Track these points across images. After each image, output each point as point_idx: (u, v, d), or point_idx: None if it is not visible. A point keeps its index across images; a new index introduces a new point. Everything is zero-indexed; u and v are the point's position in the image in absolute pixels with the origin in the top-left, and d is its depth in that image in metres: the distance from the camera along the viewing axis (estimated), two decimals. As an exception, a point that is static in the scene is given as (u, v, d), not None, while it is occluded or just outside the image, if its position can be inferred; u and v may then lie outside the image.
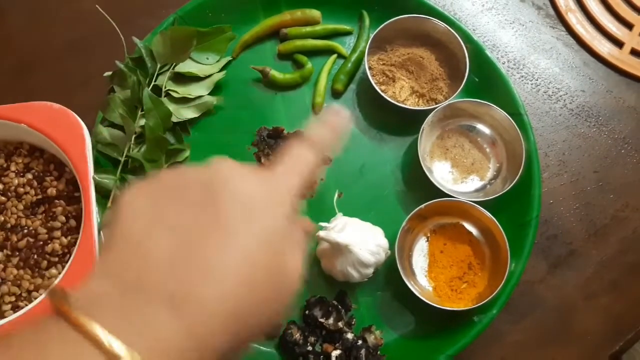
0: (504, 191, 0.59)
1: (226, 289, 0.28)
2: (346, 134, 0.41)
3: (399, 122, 0.65)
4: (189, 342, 0.27)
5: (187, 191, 0.32)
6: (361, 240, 0.56)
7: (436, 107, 0.61)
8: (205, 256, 0.28)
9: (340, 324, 0.57)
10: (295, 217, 0.34)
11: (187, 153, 0.63)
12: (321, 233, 0.55)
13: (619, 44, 0.69)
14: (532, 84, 0.68)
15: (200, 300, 0.27)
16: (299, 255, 0.34)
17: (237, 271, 0.29)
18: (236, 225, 0.30)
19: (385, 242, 0.58)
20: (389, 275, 0.59)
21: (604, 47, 0.69)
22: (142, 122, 0.60)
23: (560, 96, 0.67)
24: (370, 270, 0.57)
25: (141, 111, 0.61)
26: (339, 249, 0.56)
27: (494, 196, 0.59)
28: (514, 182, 0.59)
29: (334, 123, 0.40)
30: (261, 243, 0.30)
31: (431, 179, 0.60)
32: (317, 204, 0.62)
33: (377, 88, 0.63)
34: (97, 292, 0.27)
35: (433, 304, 0.56)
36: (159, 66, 0.63)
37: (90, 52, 0.69)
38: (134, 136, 0.60)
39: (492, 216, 0.58)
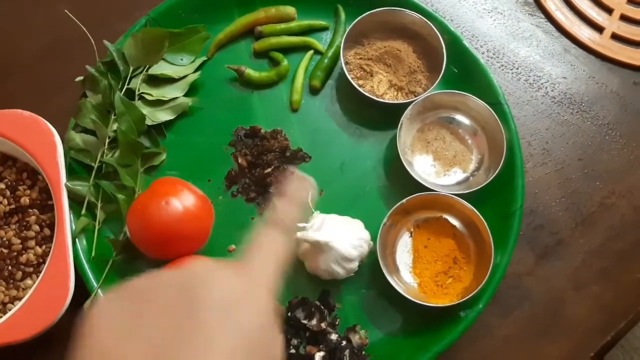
0: (485, 183, 0.56)
1: None
2: (312, 199, 0.40)
3: (379, 117, 0.62)
4: None
5: (161, 297, 0.30)
6: (341, 235, 0.53)
7: (414, 100, 0.59)
8: None
9: (323, 325, 0.54)
10: (272, 309, 0.32)
11: (163, 156, 0.60)
12: (299, 234, 0.52)
13: (599, 29, 0.66)
14: (512, 73, 0.65)
15: None
16: (279, 345, 0.33)
17: None
18: (214, 330, 0.29)
19: (366, 234, 0.55)
20: (373, 273, 0.57)
21: (584, 33, 0.66)
22: (115, 126, 0.57)
23: (542, 84, 0.65)
24: (355, 265, 0.54)
25: (114, 115, 0.58)
26: (319, 248, 0.53)
27: (476, 188, 0.57)
28: (496, 173, 0.56)
29: (298, 194, 0.39)
30: (241, 346, 0.29)
31: (412, 173, 0.57)
32: (297, 203, 0.59)
33: (354, 83, 0.60)
34: None
35: (418, 301, 0.53)
36: (131, 69, 0.60)
37: (65, 57, 0.66)
38: (107, 141, 0.58)
39: (474, 209, 0.55)
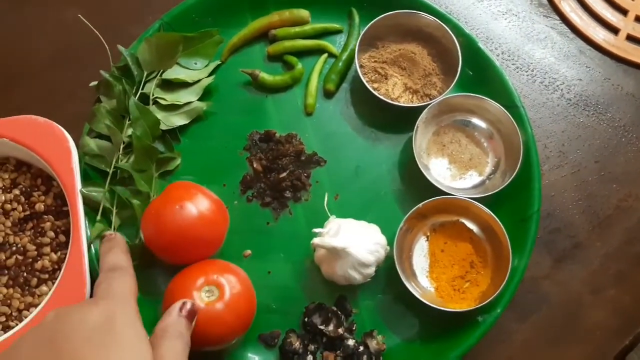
0: (502, 186, 0.55)
1: None
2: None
3: (394, 120, 0.61)
4: None
5: (29, 353, 0.31)
6: (358, 240, 0.52)
7: (430, 104, 0.58)
8: None
9: (340, 330, 0.53)
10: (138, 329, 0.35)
11: (178, 161, 0.59)
12: (316, 240, 0.51)
13: (614, 30, 0.65)
14: (527, 75, 0.64)
15: None
16: (166, 354, 0.35)
17: None
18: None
19: (383, 239, 0.54)
20: (390, 277, 0.56)
21: (599, 34, 0.65)
22: (130, 131, 0.57)
23: (557, 86, 0.64)
24: (372, 270, 0.54)
25: (128, 120, 0.57)
26: (336, 253, 0.52)
27: (493, 192, 0.56)
28: (513, 176, 0.55)
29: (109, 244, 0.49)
30: None
31: (427, 177, 0.56)
32: (312, 207, 0.58)
33: (368, 86, 0.59)
34: None
35: (434, 306, 0.52)
36: (145, 74, 0.59)
37: (77, 62, 0.66)
38: (122, 146, 0.57)
39: (491, 212, 0.54)
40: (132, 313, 0.34)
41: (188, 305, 0.41)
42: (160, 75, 0.60)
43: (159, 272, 0.56)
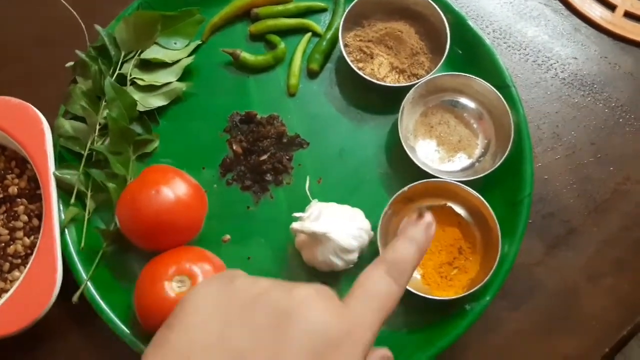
0: (492, 169, 0.52)
1: None
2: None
3: (380, 101, 0.58)
4: None
5: (259, 313, 0.29)
6: (340, 225, 0.50)
7: (416, 83, 0.55)
8: None
9: (321, 318, 0.51)
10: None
11: (156, 143, 0.57)
12: (295, 225, 0.49)
13: (611, 7, 0.62)
14: (520, 54, 0.61)
15: None
16: None
17: None
18: None
19: (367, 224, 0.52)
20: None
21: (595, 11, 0.62)
22: (106, 113, 0.54)
23: (551, 65, 0.60)
24: (354, 256, 0.51)
25: (104, 102, 0.55)
26: (317, 239, 0.49)
27: (482, 174, 0.52)
28: (503, 158, 0.52)
29: (421, 239, 0.34)
30: None
31: (414, 159, 0.53)
32: (294, 191, 0.55)
33: (353, 66, 0.56)
34: None
35: (420, 294, 0.49)
36: (123, 54, 0.57)
37: (56, 43, 0.63)
38: (97, 128, 0.54)
39: (480, 196, 0.51)
40: (363, 349, 0.30)
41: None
42: (139, 55, 0.58)
43: (135, 257, 0.53)
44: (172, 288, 0.46)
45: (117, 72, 0.56)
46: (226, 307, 0.30)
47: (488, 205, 0.51)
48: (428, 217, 0.36)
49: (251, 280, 0.31)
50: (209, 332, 0.28)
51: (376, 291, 0.32)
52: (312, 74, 0.59)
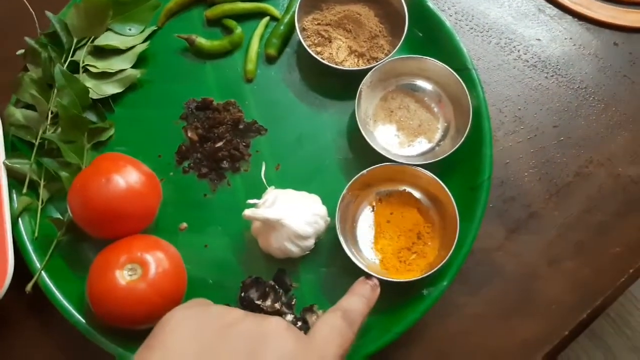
0: (450, 152, 0.51)
1: None
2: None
3: (340, 86, 0.57)
4: None
5: (234, 338, 0.32)
6: (294, 211, 0.48)
7: (374, 66, 0.53)
8: None
9: (277, 305, 0.50)
10: None
11: (111, 131, 0.55)
12: (247, 212, 0.47)
13: (576, -14, 0.60)
14: (482, 36, 0.59)
15: None
16: None
17: None
18: None
19: (323, 210, 0.50)
20: (333, 250, 0.52)
21: (560, -9, 0.60)
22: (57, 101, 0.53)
23: (514, 47, 0.59)
24: (310, 242, 0.50)
25: (56, 89, 0.53)
26: (271, 225, 0.48)
27: (440, 158, 0.51)
28: (461, 141, 0.51)
29: (369, 296, 0.43)
30: None
31: (372, 144, 0.52)
32: (252, 178, 0.54)
33: (310, 50, 0.55)
34: None
35: (376, 275, 0.48)
36: (75, 41, 0.55)
37: (7, 32, 0.61)
38: (49, 117, 0.53)
39: (438, 179, 0.50)
40: None
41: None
42: (92, 42, 0.56)
43: (90, 246, 0.52)
44: (123, 276, 0.45)
45: (69, 59, 0.55)
46: (203, 331, 0.31)
47: (447, 189, 0.50)
48: (375, 280, 0.46)
49: (225, 308, 0.34)
50: (187, 353, 0.30)
51: (336, 329, 0.37)
52: (270, 59, 0.58)
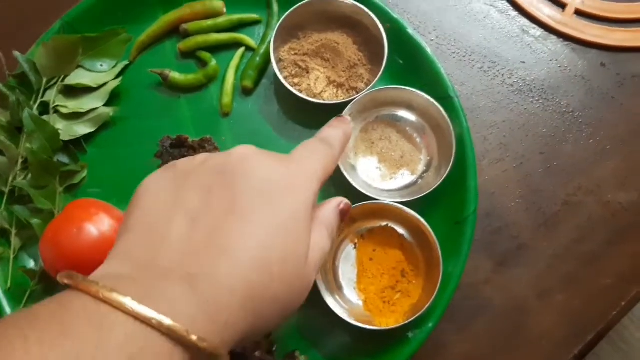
0: (433, 187, 0.49)
1: (241, 270, 0.27)
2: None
3: (320, 117, 0.53)
4: (206, 315, 0.25)
5: (204, 175, 0.31)
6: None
7: (354, 98, 0.51)
8: (219, 239, 0.28)
9: (257, 353, 0.48)
10: (310, 205, 0.32)
11: (84, 173, 0.53)
12: None
13: (560, 5, 0.57)
14: (465, 60, 0.57)
15: (215, 279, 0.26)
16: (318, 243, 0.32)
17: (251, 254, 0.27)
18: (251, 209, 0.29)
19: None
20: (313, 292, 0.49)
21: (544, 10, 0.57)
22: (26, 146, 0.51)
23: (498, 71, 0.56)
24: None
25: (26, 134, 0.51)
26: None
27: (423, 194, 0.49)
28: (445, 175, 0.49)
29: (342, 127, 0.40)
30: (275, 228, 0.29)
31: (351, 181, 0.50)
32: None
33: (285, 83, 0.53)
34: (114, 272, 0.27)
35: (356, 323, 0.46)
36: (45, 80, 0.53)
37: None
38: (20, 162, 0.51)
39: (420, 218, 0.48)
40: (310, 196, 0.32)
41: (343, 205, 0.37)
42: (62, 81, 0.54)
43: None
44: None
45: (39, 100, 0.53)
46: (174, 181, 0.31)
47: (428, 227, 0.48)
48: (347, 116, 0.45)
49: (190, 157, 0.33)
50: (164, 202, 0.30)
51: (316, 148, 0.36)
52: (246, 92, 0.55)
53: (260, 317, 0.28)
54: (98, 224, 0.47)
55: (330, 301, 0.47)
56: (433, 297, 0.46)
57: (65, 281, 0.25)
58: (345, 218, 0.38)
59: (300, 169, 0.32)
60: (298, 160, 0.33)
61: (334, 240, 0.37)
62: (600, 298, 0.50)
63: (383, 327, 0.46)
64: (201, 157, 0.33)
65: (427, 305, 0.46)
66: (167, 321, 0.23)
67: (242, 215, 0.28)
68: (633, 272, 0.51)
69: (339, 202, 0.37)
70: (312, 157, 0.34)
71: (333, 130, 0.39)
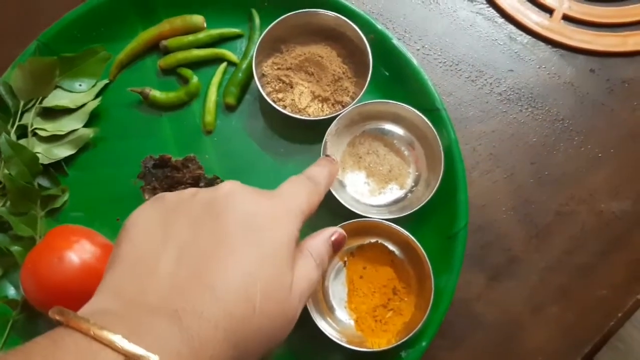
0: (422, 203, 0.47)
1: (224, 304, 0.27)
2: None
3: (305, 132, 0.53)
4: (192, 350, 0.26)
5: (192, 209, 0.31)
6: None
7: (339, 114, 0.50)
8: (205, 275, 0.28)
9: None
10: (294, 240, 0.32)
11: (65, 197, 0.52)
12: None
13: (548, 10, 0.56)
14: (452, 70, 0.55)
15: (200, 315, 0.27)
16: (303, 273, 0.32)
17: (235, 288, 0.28)
18: (236, 242, 0.29)
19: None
20: (303, 314, 0.48)
21: (531, 17, 0.56)
22: (6, 171, 0.49)
23: (486, 80, 0.55)
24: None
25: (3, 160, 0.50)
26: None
27: (411, 211, 0.48)
28: (434, 190, 0.48)
29: (328, 166, 0.41)
30: (259, 260, 0.29)
31: (339, 199, 0.48)
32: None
33: (268, 99, 0.51)
34: (104, 307, 0.27)
35: (347, 346, 0.45)
36: (22, 103, 0.52)
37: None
38: (-2, 187, 0.50)
39: (409, 235, 0.47)
40: (293, 229, 0.32)
41: (337, 235, 0.38)
42: (40, 102, 0.52)
43: (48, 323, 0.49)
44: None
45: (16, 123, 0.51)
46: (162, 214, 0.31)
47: (419, 244, 0.47)
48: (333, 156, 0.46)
49: (178, 191, 0.34)
50: (153, 235, 0.30)
51: (302, 185, 0.36)
52: (229, 108, 0.54)
53: (244, 349, 0.28)
54: (79, 252, 0.45)
55: (321, 324, 0.46)
56: (426, 315, 0.45)
57: (57, 317, 0.25)
58: (340, 249, 0.39)
59: (285, 203, 0.33)
60: (283, 195, 0.34)
61: (324, 270, 0.37)
62: (595, 309, 0.49)
63: (375, 349, 0.45)
64: (190, 191, 0.33)
65: (419, 325, 0.44)
66: (154, 358, 0.24)
67: (227, 249, 0.29)
68: (628, 281, 0.50)
69: (331, 232, 0.38)
70: (297, 192, 0.35)
71: (319, 169, 0.40)
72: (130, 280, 0.29)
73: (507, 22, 0.56)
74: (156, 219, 0.31)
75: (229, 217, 0.30)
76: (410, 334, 0.44)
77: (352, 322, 0.48)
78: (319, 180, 0.39)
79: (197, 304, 0.27)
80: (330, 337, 0.45)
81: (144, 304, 0.27)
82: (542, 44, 0.55)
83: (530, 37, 0.56)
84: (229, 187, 0.33)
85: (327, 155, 0.46)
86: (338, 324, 0.48)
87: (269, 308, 0.29)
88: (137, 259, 0.29)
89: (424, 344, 0.46)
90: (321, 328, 0.45)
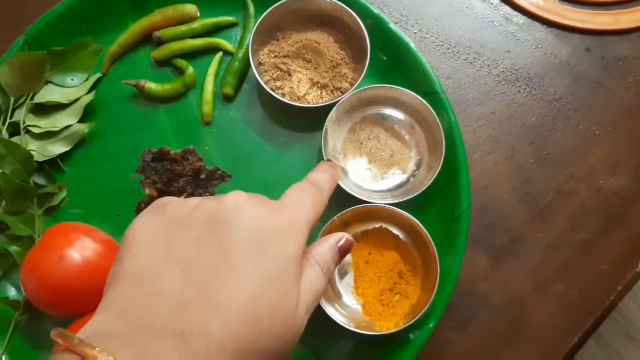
0: (424, 187, 0.47)
1: (231, 325, 0.27)
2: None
3: (305, 120, 0.52)
4: None
5: (196, 224, 0.30)
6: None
7: (338, 100, 0.49)
8: (210, 294, 0.27)
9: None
10: (299, 254, 0.31)
11: (62, 194, 0.50)
12: None
13: (542, -10, 0.56)
14: (449, 53, 0.55)
15: (206, 336, 0.26)
16: (309, 286, 0.32)
17: (241, 308, 0.27)
18: (242, 260, 0.29)
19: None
20: (310, 300, 0.48)
21: (526, -3, 0.56)
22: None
23: (484, 61, 0.54)
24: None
25: (-3, 156, 0.48)
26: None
27: (415, 194, 0.47)
28: (436, 173, 0.47)
29: (330, 171, 0.40)
30: (265, 279, 0.29)
31: (342, 185, 0.48)
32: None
33: (267, 88, 0.50)
34: (108, 330, 0.26)
35: (356, 330, 0.44)
36: (12, 99, 0.50)
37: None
38: (-7, 187, 0.48)
39: (413, 218, 0.46)
40: (300, 244, 0.31)
41: (344, 241, 0.37)
42: (31, 99, 0.50)
43: (51, 323, 0.48)
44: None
45: (7, 121, 0.49)
46: (165, 228, 0.30)
47: (423, 227, 0.46)
48: (334, 161, 0.45)
49: (181, 201, 0.32)
50: (156, 252, 0.29)
51: (307, 193, 0.35)
52: (227, 98, 0.53)
53: None
54: (80, 249, 0.44)
55: (330, 310, 0.45)
56: (432, 297, 0.44)
57: (60, 341, 0.24)
58: (346, 254, 0.38)
59: (291, 216, 0.32)
60: (289, 207, 0.33)
61: (330, 278, 0.36)
62: (596, 285, 0.50)
63: (384, 332, 0.45)
64: (193, 201, 0.32)
65: (426, 307, 0.44)
66: None
67: (233, 267, 0.28)
68: (628, 256, 0.51)
69: (338, 238, 0.37)
70: (302, 202, 0.34)
71: (322, 174, 0.39)
72: (134, 300, 0.28)
73: (502, 3, 0.56)
74: (159, 234, 0.30)
75: (234, 232, 0.29)
76: (418, 316, 0.44)
77: (359, 307, 0.48)
78: (323, 186, 0.38)
79: (204, 325, 0.26)
80: (339, 322, 0.45)
81: (150, 326, 0.26)
82: (537, 24, 0.55)
83: (525, 17, 0.55)
84: (234, 199, 0.31)
85: (328, 160, 0.45)
86: (346, 310, 0.48)
87: (275, 327, 0.28)
88: (141, 278, 0.28)
89: (431, 325, 0.46)
90: (329, 314, 0.45)
